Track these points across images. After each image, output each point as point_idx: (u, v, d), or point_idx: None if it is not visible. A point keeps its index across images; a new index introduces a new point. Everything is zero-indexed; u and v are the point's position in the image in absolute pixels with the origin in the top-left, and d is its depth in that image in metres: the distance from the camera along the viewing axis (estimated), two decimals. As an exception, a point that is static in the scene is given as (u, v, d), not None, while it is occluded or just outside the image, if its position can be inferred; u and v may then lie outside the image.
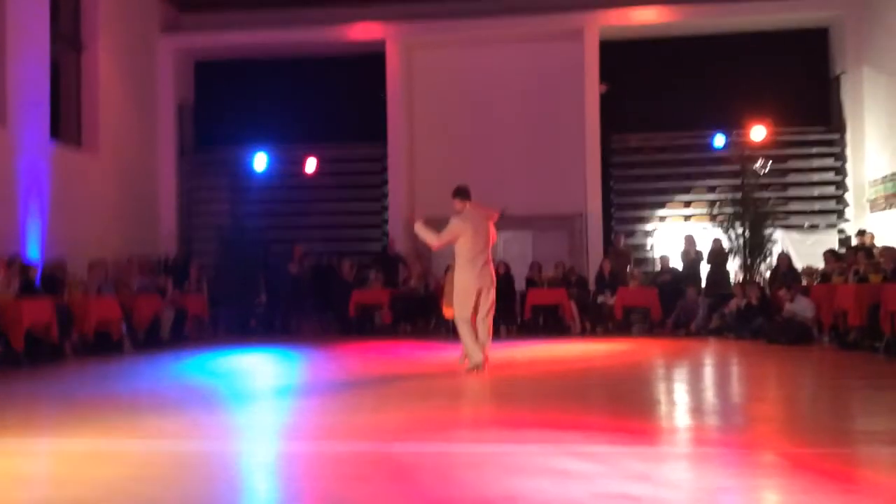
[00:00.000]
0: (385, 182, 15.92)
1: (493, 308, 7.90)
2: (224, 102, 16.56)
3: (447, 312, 8.40)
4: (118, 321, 10.80)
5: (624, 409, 5.78)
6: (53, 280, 10.69)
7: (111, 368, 9.22)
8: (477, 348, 7.71)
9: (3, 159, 11.59)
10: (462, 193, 7.90)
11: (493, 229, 7.94)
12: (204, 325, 13.73)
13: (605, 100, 15.31)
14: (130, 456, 4.40)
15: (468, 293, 7.68)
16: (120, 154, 14.73)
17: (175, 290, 12.93)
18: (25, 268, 9.97)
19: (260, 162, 15.16)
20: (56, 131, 13.18)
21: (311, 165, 14.98)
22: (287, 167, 15.60)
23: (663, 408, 6.12)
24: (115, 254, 13.63)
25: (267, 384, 7.72)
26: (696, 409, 5.99)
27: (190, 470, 4.04)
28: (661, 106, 15.29)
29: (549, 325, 13.57)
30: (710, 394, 6.97)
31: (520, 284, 14.03)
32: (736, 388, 7.43)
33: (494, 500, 3.23)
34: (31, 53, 12.14)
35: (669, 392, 7.14)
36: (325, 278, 14.21)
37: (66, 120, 13.91)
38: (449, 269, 8.16)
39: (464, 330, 7.77)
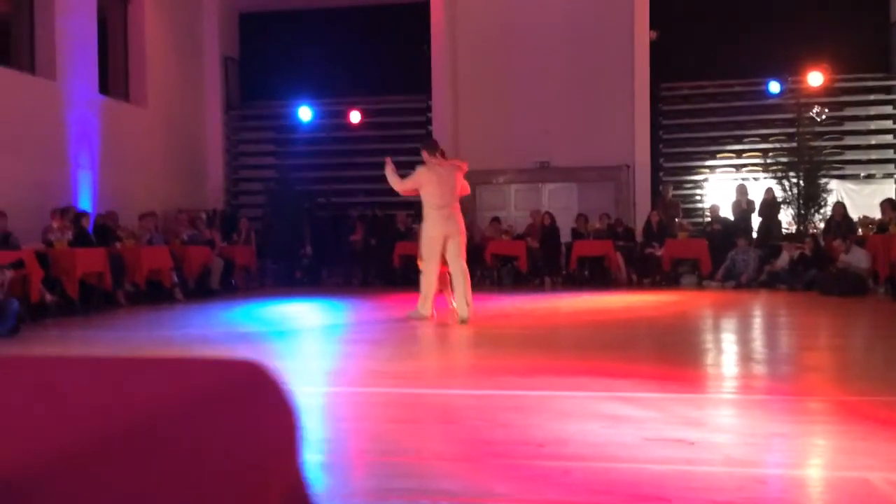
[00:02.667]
0: (430, 134, 15.79)
1: (465, 259, 8.00)
2: (268, 55, 16.54)
3: (421, 265, 8.45)
4: (169, 270, 10.99)
5: (672, 358, 5.72)
6: (105, 230, 10.90)
7: (163, 315, 9.41)
8: (429, 301, 7.93)
9: (54, 113, 11.77)
10: (430, 145, 8.13)
11: (462, 181, 8.02)
12: (252, 276, 13.94)
13: (654, 47, 14.92)
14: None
15: (434, 240, 7.84)
16: (167, 107, 14.85)
17: (223, 243, 13.11)
18: (79, 217, 10.17)
19: (305, 115, 15.18)
20: (104, 85, 13.31)
21: (355, 117, 14.99)
22: (332, 120, 15.59)
23: (712, 356, 6.04)
24: (163, 206, 13.84)
25: (313, 331, 7.81)
26: (746, 357, 5.91)
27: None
28: (714, 53, 14.85)
29: (595, 276, 13.47)
30: (759, 343, 6.86)
31: (565, 237, 13.91)
32: (786, 338, 7.30)
33: (544, 442, 3.21)
34: (79, 7, 12.22)
35: (718, 341, 7.05)
36: (380, 230, 14.24)
37: (113, 73, 14.03)
38: (422, 220, 8.23)
39: (427, 278, 7.95)
